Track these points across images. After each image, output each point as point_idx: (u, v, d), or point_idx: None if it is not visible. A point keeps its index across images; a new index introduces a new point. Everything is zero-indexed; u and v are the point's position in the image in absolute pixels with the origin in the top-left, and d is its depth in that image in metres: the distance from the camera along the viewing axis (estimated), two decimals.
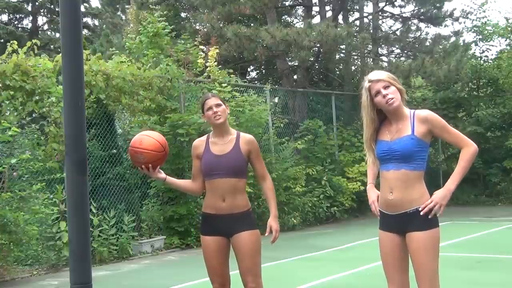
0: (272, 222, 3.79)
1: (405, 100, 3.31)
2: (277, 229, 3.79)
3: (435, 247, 3.18)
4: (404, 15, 17.28)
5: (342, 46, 14.97)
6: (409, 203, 3.19)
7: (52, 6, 24.59)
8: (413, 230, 3.17)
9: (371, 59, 16.53)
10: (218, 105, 3.75)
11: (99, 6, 25.67)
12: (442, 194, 3.19)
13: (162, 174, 3.72)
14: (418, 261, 3.17)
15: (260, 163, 3.86)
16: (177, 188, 4.04)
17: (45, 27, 25.77)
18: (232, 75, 11.58)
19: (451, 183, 3.20)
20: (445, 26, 17.40)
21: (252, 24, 16.52)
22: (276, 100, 13.92)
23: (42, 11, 25.34)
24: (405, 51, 16.69)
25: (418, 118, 3.22)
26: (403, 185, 3.20)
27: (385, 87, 3.24)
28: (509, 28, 16.79)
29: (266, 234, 3.80)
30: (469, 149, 3.20)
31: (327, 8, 16.25)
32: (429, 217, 3.16)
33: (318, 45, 14.14)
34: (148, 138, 3.60)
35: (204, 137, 3.90)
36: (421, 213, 3.16)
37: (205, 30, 14.56)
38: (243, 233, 3.68)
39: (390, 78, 3.28)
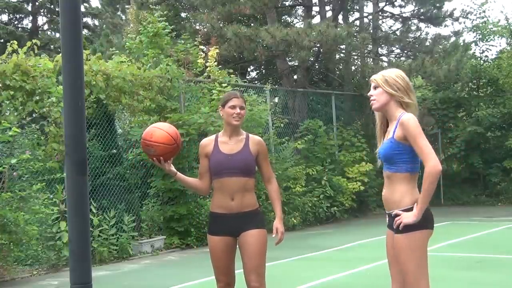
0: (278, 224, 3.81)
1: (403, 104, 3.22)
2: (283, 231, 3.82)
3: (415, 250, 3.11)
4: (404, 15, 17.29)
5: (342, 46, 14.97)
6: (391, 204, 3.22)
7: (52, 6, 24.59)
8: (395, 232, 3.19)
9: (371, 59, 16.55)
10: (242, 108, 3.79)
11: (99, 6, 25.66)
12: (410, 218, 3.11)
13: (173, 169, 3.71)
14: (399, 262, 3.17)
15: (267, 165, 3.89)
16: (185, 185, 4.03)
17: (45, 27, 25.76)
18: (232, 75, 11.59)
19: (419, 210, 3.10)
20: (445, 26, 17.45)
21: (252, 24, 16.51)
22: (276, 100, 13.93)
23: (42, 11, 25.33)
24: (405, 51, 16.70)
25: (400, 122, 3.16)
26: (388, 185, 3.24)
27: (374, 87, 3.26)
28: (510, 28, 16.78)
29: (273, 236, 3.82)
30: (428, 169, 3.04)
31: (327, 8, 16.24)
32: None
33: (318, 45, 14.14)
34: (159, 131, 3.58)
35: (212, 137, 3.91)
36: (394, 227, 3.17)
37: (205, 30, 14.56)
38: (251, 232, 3.70)
39: (381, 79, 3.23)
